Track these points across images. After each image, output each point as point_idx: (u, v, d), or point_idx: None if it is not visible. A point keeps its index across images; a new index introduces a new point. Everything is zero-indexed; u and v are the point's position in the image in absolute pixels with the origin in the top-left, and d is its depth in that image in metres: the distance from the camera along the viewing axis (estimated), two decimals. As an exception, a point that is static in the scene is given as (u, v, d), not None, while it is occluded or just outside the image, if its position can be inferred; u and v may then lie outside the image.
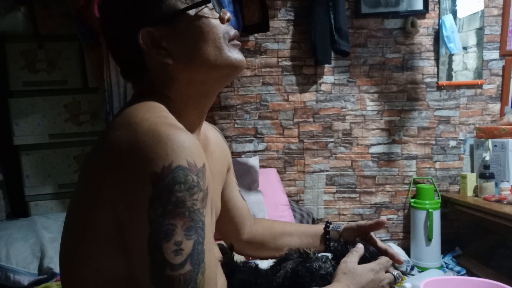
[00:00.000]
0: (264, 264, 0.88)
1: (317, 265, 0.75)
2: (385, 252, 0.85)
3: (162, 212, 0.53)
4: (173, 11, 0.66)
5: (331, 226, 0.95)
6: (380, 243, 0.88)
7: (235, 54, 0.69)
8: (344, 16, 2.50)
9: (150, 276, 0.53)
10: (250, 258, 1.09)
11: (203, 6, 0.67)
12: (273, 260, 0.84)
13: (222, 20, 0.69)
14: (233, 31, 0.70)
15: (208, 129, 0.88)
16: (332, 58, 2.60)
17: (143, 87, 0.70)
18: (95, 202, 0.58)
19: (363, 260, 0.78)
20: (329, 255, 0.82)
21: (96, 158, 0.61)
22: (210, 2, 0.67)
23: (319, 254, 0.81)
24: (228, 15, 0.70)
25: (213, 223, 0.79)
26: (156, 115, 0.61)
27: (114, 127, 0.60)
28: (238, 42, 0.71)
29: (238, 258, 0.93)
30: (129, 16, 0.67)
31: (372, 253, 0.81)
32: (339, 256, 0.79)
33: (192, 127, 0.72)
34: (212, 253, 0.58)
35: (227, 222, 0.97)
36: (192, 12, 0.66)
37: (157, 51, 0.66)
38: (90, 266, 0.59)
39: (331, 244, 0.90)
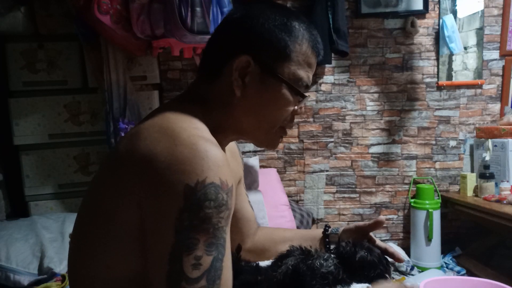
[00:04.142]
0: (266, 263, 0.88)
1: (318, 263, 0.74)
2: (385, 251, 0.85)
3: (189, 225, 0.54)
4: (278, 67, 0.68)
5: (329, 229, 0.96)
6: (379, 243, 0.88)
7: (272, 141, 0.76)
8: (344, 16, 2.50)
9: (165, 285, 0.54)
10: None
11: (296, 92, 0.71)
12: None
13: (294, 111, 0.73)
14: (290, 125, 0.75)
15: None
16: (332, 58, 2.61)
17: (199, 90, 0.72)
18: (122, 201, 0.59)
19: (365, 261, 0.78)
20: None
21: (127, 156, 0.60)
22: (304, 98, 0.72)
23: (321, 253, 0.80)
24: (301, 112, 0.75)
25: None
26: (194, 126, 0.62)
27: (151, 128, 0.60)
28: (284, 135, 0.77)
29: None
30: (254, 36, 0.68)
31: (379, 258, 0.80)
32: (347, 257, 0.78)
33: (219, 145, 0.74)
34: (230, 270, 0.59)
35: (234, 232, 0.97)
36: (286, 85, 0.69)
37: (237, 78, 0.68)
38: (101, 262, 0.60)
39: (340, 244, 0.89)
